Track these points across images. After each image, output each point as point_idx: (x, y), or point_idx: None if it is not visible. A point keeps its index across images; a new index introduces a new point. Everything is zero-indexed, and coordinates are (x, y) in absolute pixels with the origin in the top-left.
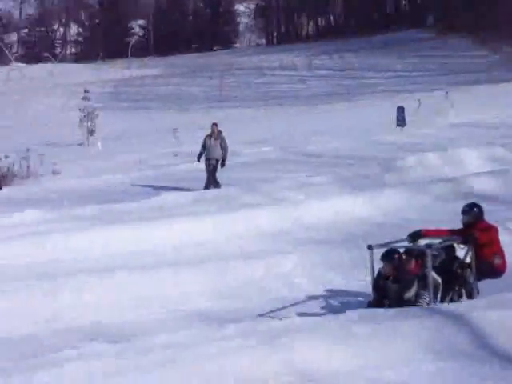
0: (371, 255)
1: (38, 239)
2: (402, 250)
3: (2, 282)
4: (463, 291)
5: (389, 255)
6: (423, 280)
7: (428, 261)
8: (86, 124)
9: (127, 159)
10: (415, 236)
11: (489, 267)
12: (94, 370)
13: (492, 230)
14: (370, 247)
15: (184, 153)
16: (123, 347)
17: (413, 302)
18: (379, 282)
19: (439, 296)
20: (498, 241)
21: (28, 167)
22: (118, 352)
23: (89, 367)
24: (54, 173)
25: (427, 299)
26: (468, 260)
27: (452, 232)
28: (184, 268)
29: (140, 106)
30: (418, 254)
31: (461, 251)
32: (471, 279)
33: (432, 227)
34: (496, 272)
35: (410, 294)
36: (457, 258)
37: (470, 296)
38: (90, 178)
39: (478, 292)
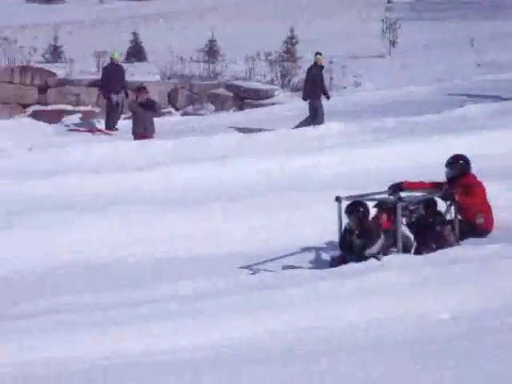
0: (339, 208)
1: (341, 151)
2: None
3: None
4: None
5: (352, 208)
6: (394, 236)
7: (398, 215)
8: (387, 35)
9: (426, 71)
10: (395, 188)
11: (470, 226)
12: None
13: (476, 187)
14: (337, 199)
15: (486, 63)
16: None
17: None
18: (345, 236)
19: (411, 254)
20: (482, 198)
21: (331, 79)
22: None
23: None
24: (356, 85)
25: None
26: (448, 217)
27: (436, 185)
28: None
29: (441, 16)
30: (391, 208)
31: (444, 206)
32: (451, 237)
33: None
34: (478, 231)
35: (371, 250)
36: (437, 214)
37: None
38: (391, 89)
39: None
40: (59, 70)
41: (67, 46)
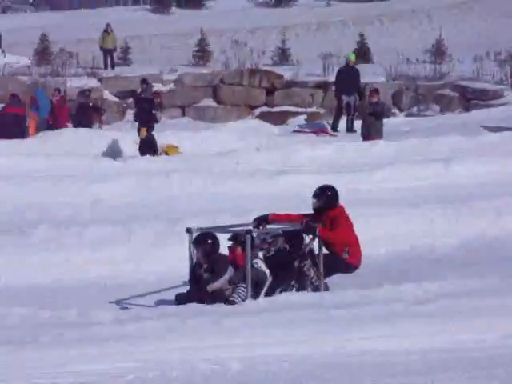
0: (190, 239)
1: None
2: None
3: None
4: (299, 286)
5: (199, 240)
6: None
7: (247, 248)
8: None
9: None
10: (261, 220)
11: (336, 261)
12: None
13: (341, 219)
14: (188, 230)
15: None
16: None
17: (226, 296)
18: (195, 270)
19: (264, 290)
20: (348, 232)
21: None
22: None
23: None
24: None
25: (242, 293)
26: (313, 251)
27: (303, 217)
28: None
29: None
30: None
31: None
32: (311, 272)
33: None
34: (344, 267)
35: (213, 285)
36: (296, 247)
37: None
38: None
39: (328, 288)
40: (286, 72)
41: (294, 49)
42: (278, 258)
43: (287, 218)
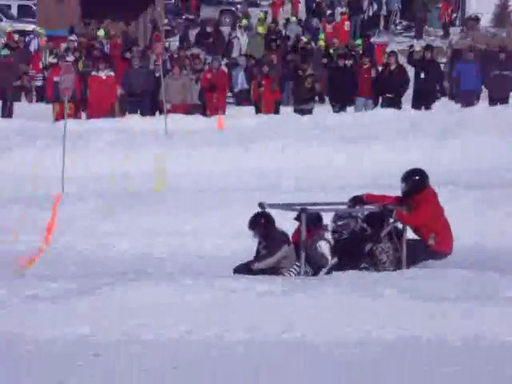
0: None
1: None
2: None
3: None
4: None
5: (252, 221)
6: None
7: (302, 226)
8: None
9: None
10: (356, 200)
11: (423, 248)
12: None
13: (424, 204)
14: (261, 206)
15: None
16: None
17: (281, 273)
18: (258, 246)
19: (324, 270)
20: (429, 216)
21: None
22: None
23: None
24: None
25: (294, 271)
26: (392, 235)
27: (396, 200)
28: None
29: None
30: (312, 220)
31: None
32: (383, 257)
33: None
34: (431, 254)
35: (258, 265)
36: (376, 230)
37: None
38: None
39: None
40: None
41: None
42: (350, 241)
43: (382, 199)
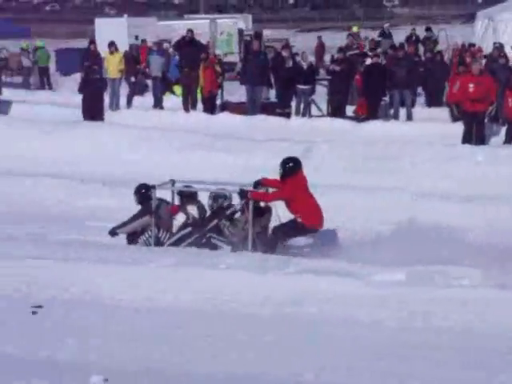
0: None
1: None
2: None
3: None
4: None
5: (136, 188)
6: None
7: (153, 201)
8: None
9: None
10: (256, 184)
11: (293, 224)
12: None
13: (294, 184)
14: (153, 187)
15: None
16: None
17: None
18: None
19: (173, 239)
20: (300, 195)
21: None
22: None
23: None
24: None
25: (144, 238)
26: (238, 215)
27: (277, 182)
28: None
29: None
30: (188, 197)
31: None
32: (225, 232)
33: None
34: (300, 228)
35: (126, 228)
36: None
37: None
38: None
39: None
40: None
41: None
42: (206, 216)
43: (274, 182)
